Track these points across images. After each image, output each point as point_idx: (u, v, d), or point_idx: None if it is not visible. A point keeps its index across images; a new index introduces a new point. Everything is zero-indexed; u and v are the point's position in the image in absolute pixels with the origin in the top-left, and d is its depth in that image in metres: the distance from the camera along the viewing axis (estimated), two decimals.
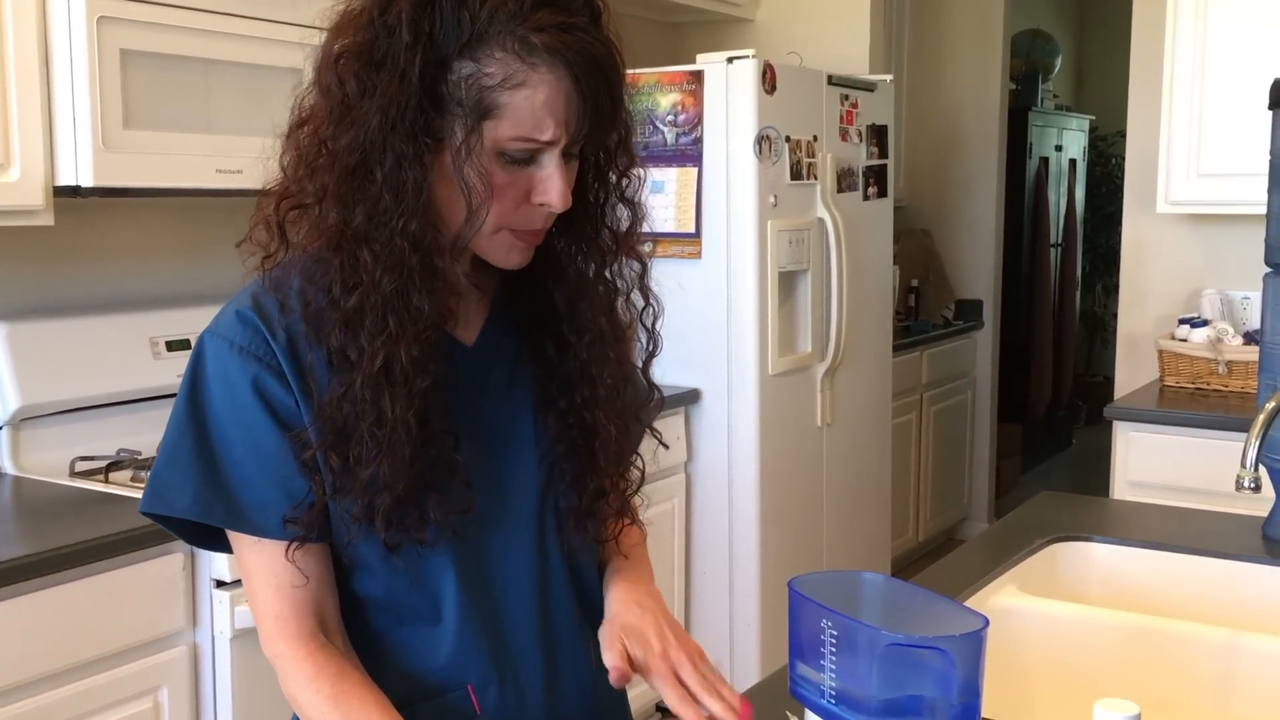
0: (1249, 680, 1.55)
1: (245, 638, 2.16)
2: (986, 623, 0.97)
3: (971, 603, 1.66)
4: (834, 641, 0.99)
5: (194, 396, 1.07)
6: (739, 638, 3.45)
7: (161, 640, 2.11)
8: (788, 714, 1.06)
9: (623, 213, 1.14)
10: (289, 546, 1.06)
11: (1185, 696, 1.56)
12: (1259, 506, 2.12)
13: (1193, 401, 3.26)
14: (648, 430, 1.23)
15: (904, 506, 4.67)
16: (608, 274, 1.14)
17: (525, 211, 1.05)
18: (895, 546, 4.42)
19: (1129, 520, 2.04)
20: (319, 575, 1.09)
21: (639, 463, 1.23)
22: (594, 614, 1.21)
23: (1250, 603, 1.80)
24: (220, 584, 2.15)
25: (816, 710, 1.02)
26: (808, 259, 3.59)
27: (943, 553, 5.17)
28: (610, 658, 1.09)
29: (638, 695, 1.75)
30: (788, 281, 3.55)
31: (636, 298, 1.17)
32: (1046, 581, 1.85)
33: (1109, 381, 7.81)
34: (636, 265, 1.16)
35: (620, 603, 1.15)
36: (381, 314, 1.01)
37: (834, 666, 0.99)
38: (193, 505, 1.06)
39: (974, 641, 0.95)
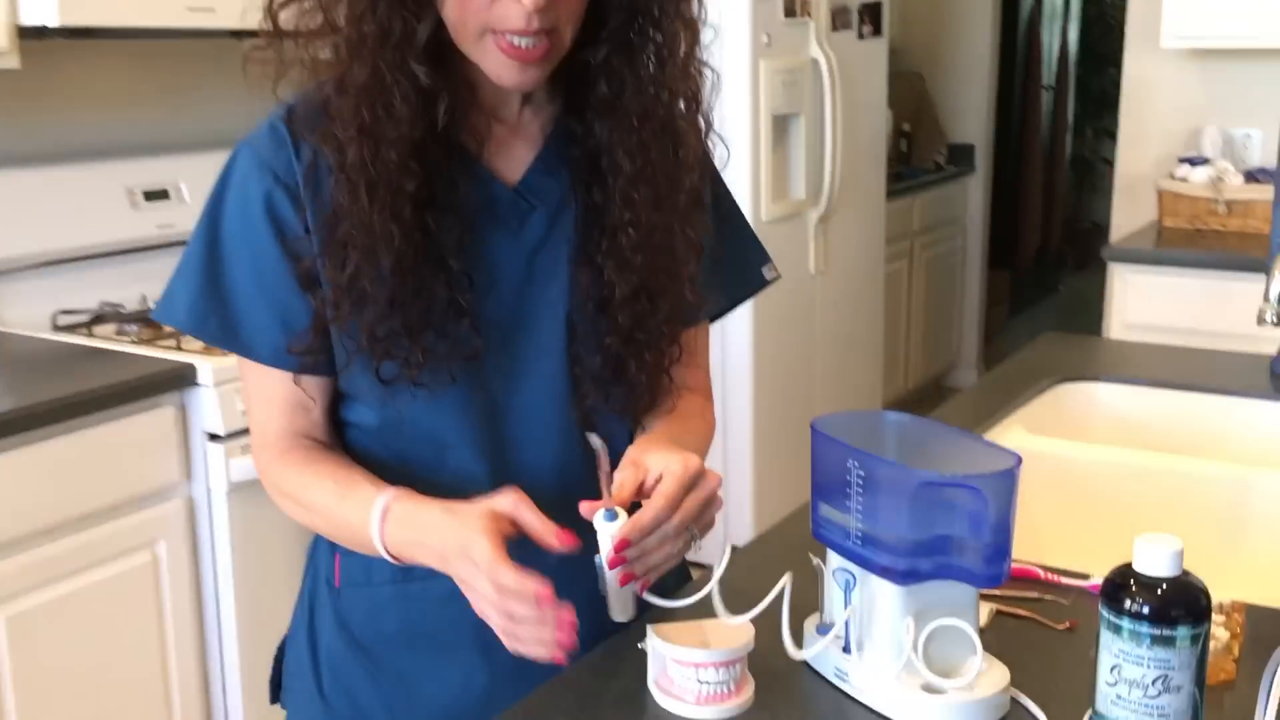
0: (1259, 517, 1.53)
1: (242, 491, 2.13)
2: (1019, 460, 0.93)
3: None
4: (861, 483, 0.95)
5: (215, 206, 1.04)
6: (733, 486, 3.47)
7: (156, 494, 2.08)
8: (811, 556, 1.03)
9: (677, 36, 1.01)
10: (294, 375, 1.03)
11: (1195, 533, 1.54)
12: (1261, 345, 2.09)
13: (1191, 242, 3.21)
14: (695, 295, 1.08)
15: (894, 353, 4.65)
16: (651, 104, 1.02)
17: (502, 9, 0.94)
18: (885, 393, 4.41)
19: (1134, 360, 2.01)
20: (315, 407, 1.06)
21: (684, 333, 1.10)
22: None
23: (1259, 440, 1.78)
24: (213, 437, 2.11)
25: (842, 552, 0.98)
26: (801, 102, 3.48)
27: (932, 399, 5.22)
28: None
29: None
30: (780, 126, 3.45)
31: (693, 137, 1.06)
32: (1054, 422, 1.82)
33: (1097, 227, 7.77)
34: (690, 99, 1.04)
35: (637, 445, 1.04)
36: (355, 105, 0.96)
37: (861, 508, 0.95)
38: (188, 317, 1.03)
39: (1007, 479, 0.91)
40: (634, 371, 1.06)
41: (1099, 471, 1.60)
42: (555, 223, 1.06)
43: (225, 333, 1.03)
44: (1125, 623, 0.85)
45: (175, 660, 2.12)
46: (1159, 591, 0.84)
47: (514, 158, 1.06)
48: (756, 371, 3.42)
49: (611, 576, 0.96)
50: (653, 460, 0.97)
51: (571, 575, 0.95)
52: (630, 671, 1.02)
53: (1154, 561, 0.85)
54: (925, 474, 0.92)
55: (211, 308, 1.02)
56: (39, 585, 1.92)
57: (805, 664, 1.02)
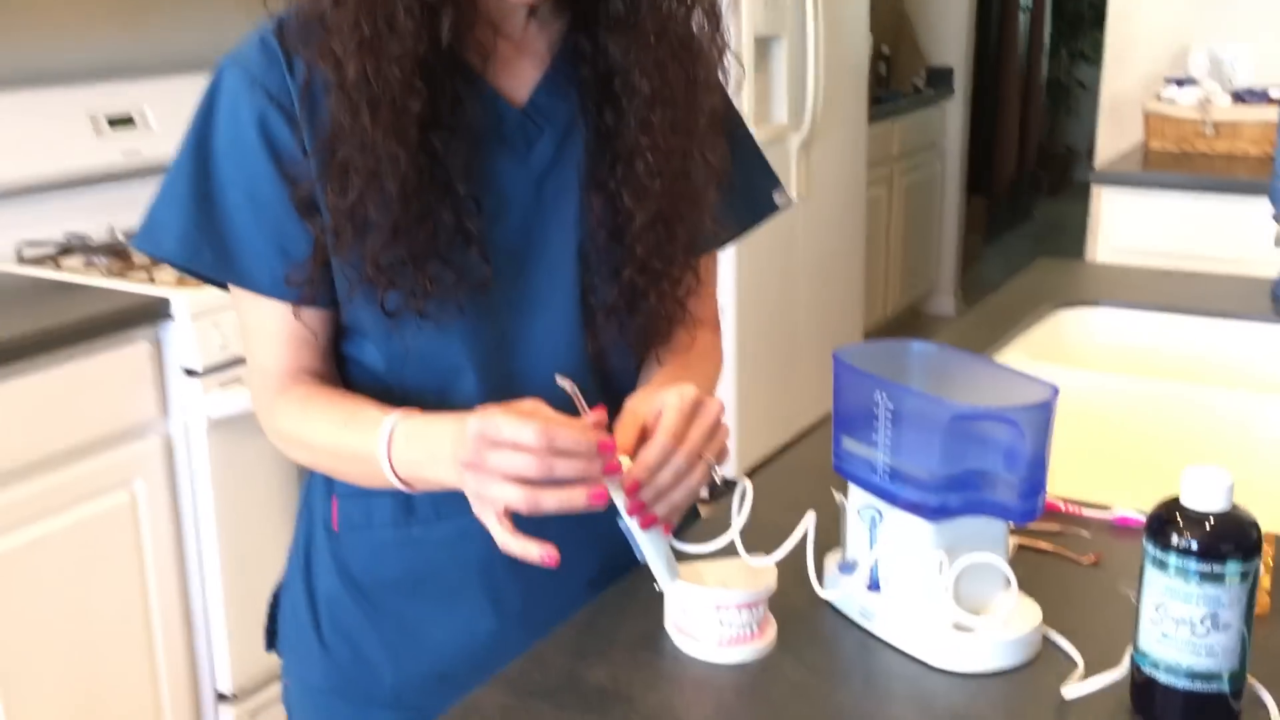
0: (1268, 443, 1.51)
1: (222, 428, 2.07)
2: (1056, 391, 0.89)
3: None
4: (889, 415, 0.91)
5: (202, 128, 0.97)
6: None
7: (132, 432, 2.02)
8: (833, 492, 0.99)
9: None
10: (294, 307, 0.97)
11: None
12: (1249, 268, 2.07)
13: (1178, 164, 3.17)
14: (715, 222, 1.04)
15: (874, 281, 4.63)
16: (669, 21, 0.96)
17: None
18: (867, 323, 4.40)
19: (1132, 285, 1.98)
20: (316, 341, 1.00)
21: (697, 263, 1.05)
22: None
23: (1264, 364, 1.75)
24: (190, 373, 2.05)
25: (868, 488, 0.94)
26: (783, 23, 3.40)
27: (911, 327, 5.20)
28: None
29: None
30: (762, 49, 3.37)
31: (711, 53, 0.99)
32: (1054, 348, 1.79)
33: (1071, 152, 7.75)
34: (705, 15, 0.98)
35: (633, 396, 0.96)
36: (355, 18, 0.89)
37: (889, 442, 0.91)
38: (179, 247, 0.97)
39: (1044, 411, 0.88)
40: (651, 302, 1.01)
41: (1104, 398, 1.56)
42: (564, 146, 1.00)
43: (221, 263, 0.96)
44: (1172, 559, 0.81)
45: (157, 602, 2.08)
46: (1208, 526, 0.81)
47: (520, 77, 1.00)
48: (740, 299, 3.37)
49: (634, 525, 0.91)
50: (648, 403, 0.92)
51: (577, 541, 0.90)
52: (646, 614, 0.98)
53: (1203, 495, 0.81)
54: (959, 406, 0.87)
55: (205, 238, 0.96)
56: (13, 527, 1.86)
57: (827, 603, 0.99)
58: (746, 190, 1.14)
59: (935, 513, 0.90)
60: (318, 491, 1.07)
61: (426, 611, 1.04)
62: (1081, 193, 3.15)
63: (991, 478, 0.89)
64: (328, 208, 0.93)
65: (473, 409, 0.90)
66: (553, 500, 0.84)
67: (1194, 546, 0.80)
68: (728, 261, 3.32)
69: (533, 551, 0.85)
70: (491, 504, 0.85)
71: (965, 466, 0.89)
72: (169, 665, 2.11)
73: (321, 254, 0.95)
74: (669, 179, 0.98)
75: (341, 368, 1.03)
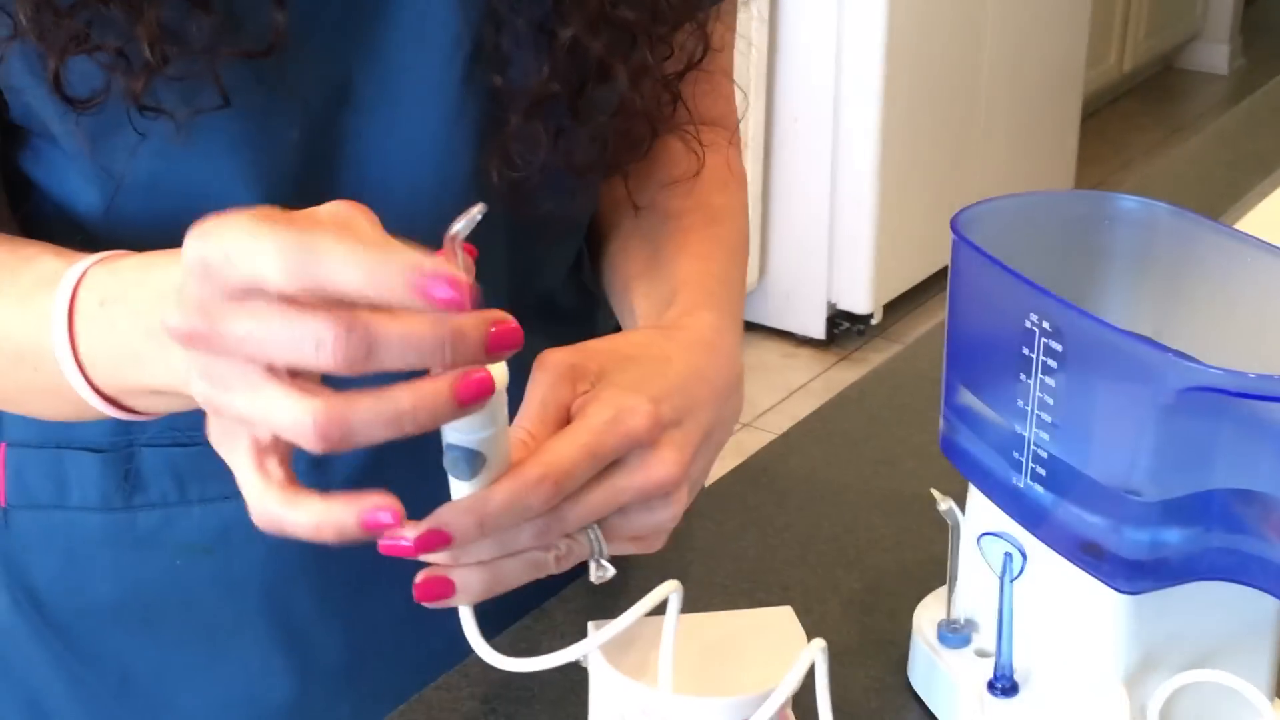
0: None
1: None
2: None
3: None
4: (1054, 361, 0.61)
5: None
6: (841, 243, 3.30)
7: None
8: (935, 494, 0.70)
9: None
10: None
11: None
12: None
13: None
14: None
15: (1105, 18, 4.45)
16: None
17: None
18: (1089, 79, 4.21)
19: None
20: None
21: (706, 16, 0.81)
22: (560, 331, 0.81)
23: None
24: None
25: (1003, 500, 0.67)
26: None
27: (1161, 88, 4.96)
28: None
29: None
30: None
31: None
32: None
33: None
34: None
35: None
36: None
37: (1051, 414, 0.62)
38: None
39: None
40: (618, 88, 0.76)
41: None
42: None
43: None
44: None
45: None
46: None
47: None
48: (890, 54, 3.17)
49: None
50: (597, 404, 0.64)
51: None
52: (554, 696, 0.74)
53: None
54: (1196, 367, 0.57)
55: None
56: None
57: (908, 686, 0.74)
58: None
59: (1137, 573, 0.62)
60: None
61: (169, 665, 0.84)
62: None
63: (1260, 507, 0.61)
64: None
65: None
66: (375, 416, 0.51)
67: None
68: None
69: (338, 515, 0.52)
70: (242, 424, 0.53)
71: (1206, 484, 0.61)
72: None
73: None
74: None
75: (23, 205, 0.79)
